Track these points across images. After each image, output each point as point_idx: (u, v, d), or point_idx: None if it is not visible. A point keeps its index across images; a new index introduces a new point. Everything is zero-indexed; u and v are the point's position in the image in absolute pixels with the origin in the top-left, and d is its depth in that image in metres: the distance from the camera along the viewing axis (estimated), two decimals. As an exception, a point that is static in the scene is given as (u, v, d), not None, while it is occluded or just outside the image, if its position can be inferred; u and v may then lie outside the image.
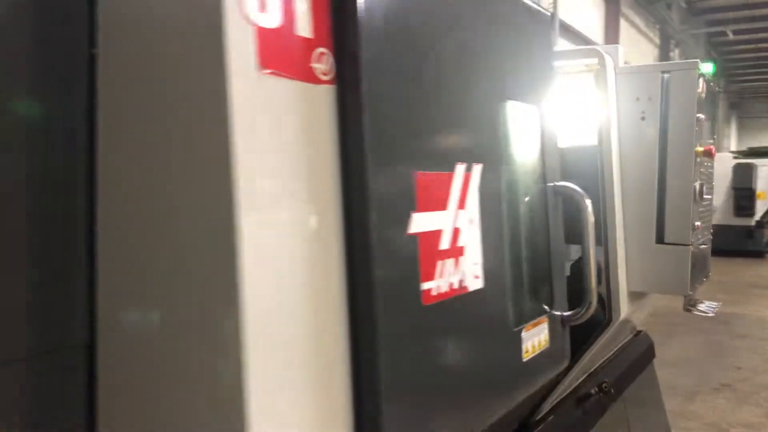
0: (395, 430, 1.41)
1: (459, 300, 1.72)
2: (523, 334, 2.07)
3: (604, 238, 3.14)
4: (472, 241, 1.80)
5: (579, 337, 3.26)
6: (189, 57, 1.22)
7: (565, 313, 2.37)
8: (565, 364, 2.41)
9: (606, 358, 4.03)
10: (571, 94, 3.35)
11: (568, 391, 3.51)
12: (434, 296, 1.62)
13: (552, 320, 2.28)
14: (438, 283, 1.64)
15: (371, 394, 1.40)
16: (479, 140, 1.86)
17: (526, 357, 2.07)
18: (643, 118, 3.17)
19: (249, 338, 1.17)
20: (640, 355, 4.55)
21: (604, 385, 3.62)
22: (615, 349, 4.25)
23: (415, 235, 1.55)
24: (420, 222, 1.57)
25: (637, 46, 22.48)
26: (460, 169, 1.75)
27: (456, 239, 1.73)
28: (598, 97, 3.14)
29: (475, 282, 1.81)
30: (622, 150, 3.24)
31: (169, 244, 1.26)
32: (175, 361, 1.27)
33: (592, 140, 3.19)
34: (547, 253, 2.28)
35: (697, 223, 3.24)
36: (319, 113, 1.39)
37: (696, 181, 3.18)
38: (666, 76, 3.16)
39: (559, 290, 2.34)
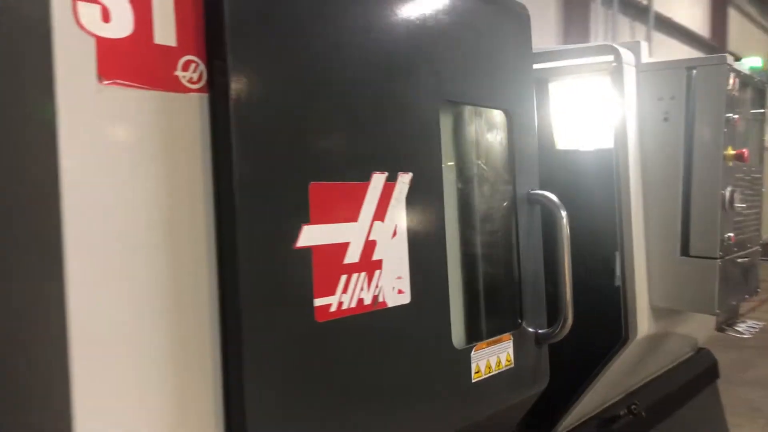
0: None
1: (373, 316, 1.63)
2: (474, 353, 1.94)
3: (620, 249, 2.92)
4: (394, 255, 1.70)
5: (597, 354, 3.05)
6: (23, 69, 1.22)
7: (540, 331, 2.20)
8: (543, 385, 2.24)
9: (650, 376, 3.75)
10: (585, 95, 3.14)
11: (591, 413, 3.30)
12: (333, 312, 1.54)
13: (520, 338, 2.13)
14: (340, 299, 1.55)
15: (237, 410, 1.35)
16: (408, 148, 1.76)
17: (477, 377, 1.94)
18: (666, 119, 2.91)
19: (75, 338, 1.16)
20: (698, 375, 4.20)
21: (633, 407, 3.37)
22: (666, 368, 3.95)
23: (306, 249, 1.48)
24: (314, 235, 1.49)
25: (749, 38, 20.93)
26: (378, 178, 1.66)
27: (370, 252, 1.64)
28: (614, 97, 2.91)
29: (398, 297, 1.71)
30: (644, 154, 2.99)
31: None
32: (4, 359, 1.27)
33: (607, 143, 2.97)
34: (515, 265, 2.13)
35: (729, 235, 2.93)
36: (188, 121, 1.35)
37: (726, 187, 2.88)
38: (692, 72, 2.89)
39: (532, 305, 2.18)
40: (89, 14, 1.21)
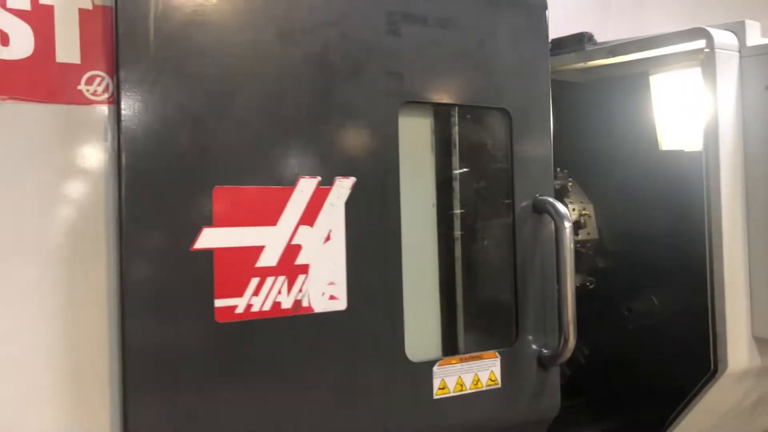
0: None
1: (294, 321, 1.64)
2: (437, 368, 1.83)
3: (709, 267, 2.51)
4: (325, 260, 1.68)
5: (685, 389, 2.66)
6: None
7: (544, 351, 2.00)
8: (551, 412, 2.03)
9: None
10: (683, 89, 2.76)
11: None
12: (239, 314, 1.58)
13: (515, 357, 1.96)
14: (249, 302, 1.59)
15: (122, 398, 1.46)
16: (351, 152, 1.72)
17: (441, 394, 1.83)
18: None
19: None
20: None
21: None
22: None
23: (207, 250, 1.54)
24: (216, 237, 1.55)
25: None
26: (306, 183, 1.66)
27: (292, 257, 1.64)
28: (705, 90, 2.51)
29: (329, 303, 1.69)
30: (748, 155, 2.54)
31: None
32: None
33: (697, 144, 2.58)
34: (511, 279, 1.97)
35: None
36: (92, 130, 1.49)
37: None
38: (806, 57, 2.39)
39: (534, 323, 1.99)
40: (-15, 37, 1.40)
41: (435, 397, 1.82)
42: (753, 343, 2.53)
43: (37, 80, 1.45)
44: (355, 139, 1.74)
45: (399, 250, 1.78)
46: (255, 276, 1.60)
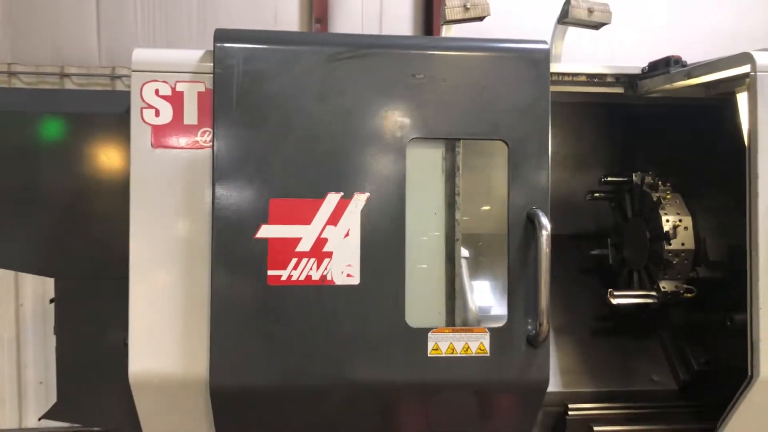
0: (224, 372, 2.35)
1: (320, 289, 2.46)
2: (432, 334, 2.50)
3: (749, 275, 2.71)
4: (345, 249, 2.47)
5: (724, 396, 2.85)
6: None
7: (530, 333, 2.52)
8: (539, 386, 2.53)
9: None
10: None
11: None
12: (283, 281, 2.45)
13: (504, 334, 2.52)
14: (290, 273, 2.45)
15: (210, 340, 2.42)
16: (367, 175, 2.48)
17: (434, 354, 2.49)
18: None
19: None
20: None
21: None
22: None
23: (264, 239, 2.45)
24: (270, 231, 2.45)
25: None
26: (333, 197, 2.48)
27: (320, 246, 2.47)
28: (747, 119, 2.70)
29: (347, 279, 2.48)
30: None
31: None
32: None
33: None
34: (504, 275, 2.53)
35: None
36: (204, 165, 2.50)
37: None
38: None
39: (521, 308, 2.51)
40: (148, 113, 2.48)
41: (429, 355, 2.48)
42: (792, 353, 2.64)
43: (175, 136, 2.49)
44: (370, 165, 2.49)
45: (403, 245, 2.49)
46: (294, 257, 2.46)
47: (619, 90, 3.50)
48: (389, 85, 2.50)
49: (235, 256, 2.44)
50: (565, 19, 3.24)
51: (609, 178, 3.82)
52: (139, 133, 2.48)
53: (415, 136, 2.52)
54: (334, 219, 2.48)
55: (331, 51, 2.49)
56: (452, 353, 2.50)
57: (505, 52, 2.57)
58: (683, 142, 3.70)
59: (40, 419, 3.06)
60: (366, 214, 2.48)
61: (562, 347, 3.83)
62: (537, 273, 2.45)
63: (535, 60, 2.57)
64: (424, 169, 2.59)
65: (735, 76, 2.79)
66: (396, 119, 2.50)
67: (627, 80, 3.45)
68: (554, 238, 4.32)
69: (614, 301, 3.45)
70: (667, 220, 3.41)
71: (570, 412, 3.41)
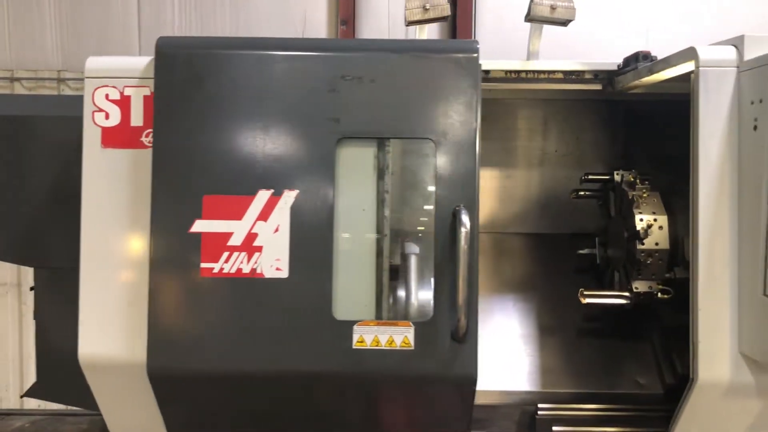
0: (160, 357, 2.54)
1: (251, 281, 2.59)
2: (357, 326, 2.58)
3: (692, 279, 2.65)
4: (275, 244, 2.59)
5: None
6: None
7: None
8: (467, 381, 2.56)
9: None
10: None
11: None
12: (215, 273, 2.60)
13: (427, 329, 2.57)
14: (221, 266, 2.60)
15: (148, 326, 2.60)
16: (297, 173, 2.59)
17: (358, 345, 2.58)
18: (755, 128, 2.49)
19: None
20: None
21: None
22: None
23: (197, 233, 2.60)
24: (203, 225, 2.60)
25: None
26: (263, 193, 2.60)
27: (251, 240, 2.60)
28: (693, 111, 2.63)
29: (276, 273, 2.59)
30: (744, 171, 2.57)
31: None
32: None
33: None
34: (432, 271, 2.58)
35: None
36: (147, 163, 2.68)
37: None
38: (777, 68, 2.39)
39: (446, 303, 2.55)
40: (99, 116, 2.69)
41: (353, 347, 2.57)
42: (740, 359, 2.55)
43: (123, 137, 2.69)
44: (301, 164, 2.60)
45: (331, 240, 2.58)
46: (226, 251, 2.60)
47: (598, 87, 3.46)
48: (320, 87, 2.60)
49: (171, 249, 2.60)
50: (529, 17, 3.24)
51: (590, 176, 3.76)
52: (91, 135, 2.69)
53: (344, 136, 2.61)
54: (264, 215, 2.60)
55: (264, 55, 2.61)
56: (377, 346, 2.57)
57: (434, 52, 2.62)
58: (676, 138, 3.60)
59: (21, 396, 3.35)
60: (295, 211, 2.59)
61: (548, 347, 3.81)
62: (455, 270, 2.48)
63: (463, 59, 2.59)
64: (357, 167, 2.67)
65: (683, 71, 2.71)
66: (326, 119, 2.60)
67: (606, 76, 3.40)
68: (550, 237, 4.31)
69: (584, 301, 3.41)
70: (641, 219, 3.34)
71: (539, 412, 3.39)
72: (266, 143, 2.60)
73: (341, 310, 2.60)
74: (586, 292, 3.40)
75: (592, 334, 3.87)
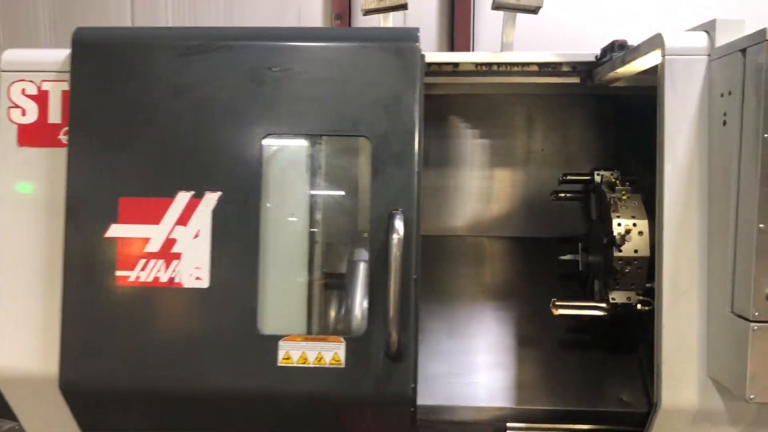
0: (72, 371, 2.34)
1: (168, 291, 2.39)
2: (283, 342, 2.36)
3: (656, 296, 2.37)
4: (194, 250, 2.39)
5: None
6: None
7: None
8: (401, 401, 2.33)
9: None
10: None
11: None
12: (131, 281, 2.40)
13: (361, 345, 2.34)
14: (137, 274, 2.40)
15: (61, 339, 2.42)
16: (219, 173, 2.38)
17: (285, 363, 2.35)
18: (724, 123, 2.21)
19: None
20: None
21: None
22: None
23: (113, 238, 2.41)
24: (119, 230, 2.41)
25: None
26: (183, 195, 2.40)
27: (169, 246, 2.40)
28: (659, 104, 2.35)
29: (195, 282, 2.39)
30: (713, 171, 2.30)
31: None
32: None
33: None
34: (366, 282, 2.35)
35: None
36: (64, 164, 2.50)
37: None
38: (746, 56, 2.10)
39: (381, 317, 2.32)
40: (15, 113, 2.52)
41: (279, 364, 2.35)
42: (709, 383, 2.27)
43: (40, 135, 2.51)
44: (224, 163, 2.39)
45: (256, 248, 2.36)
46: (143, 258, 2.40)
47: (575, 80, 3.18)
48: (244, 79, 2.38)
49: (86, 256, 2.42)
50: (495, 4, 2.99)
51: (570, 177, 3.48)
52: (6, 132, 2.52)
53: (271, 133, 2.39)
54: (183, 219, 2.39)
55: (184, 45, 2.40)
56: (304, 363, 2.35)
57: (370, 42, 2.38)
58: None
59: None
60: (218, 214, 2.38)
61: (527, 359, 3.54)
62: (387, 280, 2.24)
63: (402, 50, 2.35)
64: (286, 167, 2.45)
65: (653, 61, 2.43)
66: (250, 115, 2.38)
67: (585, 69, 3.13)
68: (534, 240, 4.04)
69: (556, 313, 3.14)
70: (619, 224, 3.05)
71: (508, 431, 3.14)
72: (187, 141, 2.40)
73: (268, 324, 2.38)
74: (558, 303, 3.13)
75: (576, 346, 3.59)
